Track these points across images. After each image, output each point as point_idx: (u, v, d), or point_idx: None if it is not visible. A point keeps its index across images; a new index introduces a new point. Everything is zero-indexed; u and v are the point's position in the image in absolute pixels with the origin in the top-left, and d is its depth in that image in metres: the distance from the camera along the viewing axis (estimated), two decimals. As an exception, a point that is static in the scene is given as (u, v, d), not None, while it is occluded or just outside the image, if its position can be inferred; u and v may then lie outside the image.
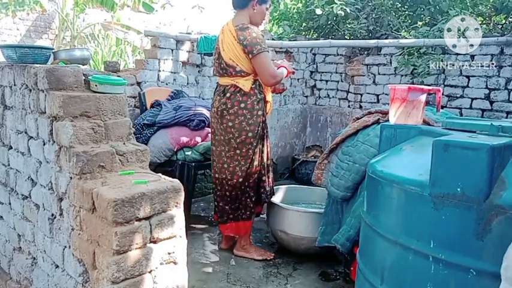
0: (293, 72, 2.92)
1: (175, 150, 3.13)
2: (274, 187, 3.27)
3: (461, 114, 4.00)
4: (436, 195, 1.31)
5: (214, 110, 2.75)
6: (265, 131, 2.77)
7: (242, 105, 2.63)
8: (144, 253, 1.51)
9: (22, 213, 2.11)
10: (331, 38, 5.09)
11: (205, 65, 4.12)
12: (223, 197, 2.80)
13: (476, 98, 3.97)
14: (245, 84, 2.63)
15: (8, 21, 8.38)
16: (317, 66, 5.18)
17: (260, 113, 2.67)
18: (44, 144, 1.83)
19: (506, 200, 1.19)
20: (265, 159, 2.80)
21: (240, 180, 2.73)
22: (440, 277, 1.31)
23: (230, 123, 2.66)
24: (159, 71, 3.74)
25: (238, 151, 2.69)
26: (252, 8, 2.64)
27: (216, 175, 2.82)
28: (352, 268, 2.38)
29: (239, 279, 2.58)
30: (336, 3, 4.74)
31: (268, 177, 2.86)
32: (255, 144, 2.69)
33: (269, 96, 2.81)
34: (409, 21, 5.06)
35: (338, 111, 5.01)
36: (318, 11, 4.95)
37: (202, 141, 3.23)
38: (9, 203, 2.25)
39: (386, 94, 4.50)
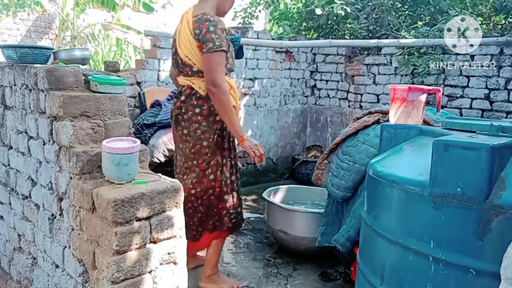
0: (258, 155, 2.24)
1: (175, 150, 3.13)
2: (274, 187, 3.27)
3: (461, 114, 4.00)
4: (436, 195, 1.31)
5: (171, 115, 2.38)
6: (225, 141, 2.31)
7: (197, 110, 2.21)
8: (144, 253, 1.51)
9: (22, 213, 2.11)
10: (331, 38, 5.09)
11: (205, 65, 4.11)
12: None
13: (476, 98, 3.96)
14: (202, 86, 2.19)
15: (9, 22, 8.39)
16: (317, 66, 5.18)
17: (218, 119, 2.22)
18: (44, 144, 1.83)
19: (506, 200, 1.19)
20: (227, 174, 2.31)
21: (192, 192, 2.27)
22: (440, 277, 1.31)
23: (185, 131, 2.25)
24: (159, 71, 3.74)
25: (194, 162, 2.26)
26: None
27: None
28: (352, 268, 2.38)
29: (239, 279, 2.58)
30: (336, 3, 4.74)
31: (233, 197, 2.34)
32: (209, 154, 2.24)
33: (237, 101, 2.32)
34: (409, 21, 5.06)
35: (338, 111, 5.01)
36: (318, 11, 4.95)
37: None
38: (10, 203, 2.25)
39: (386, 94, 4.49)
